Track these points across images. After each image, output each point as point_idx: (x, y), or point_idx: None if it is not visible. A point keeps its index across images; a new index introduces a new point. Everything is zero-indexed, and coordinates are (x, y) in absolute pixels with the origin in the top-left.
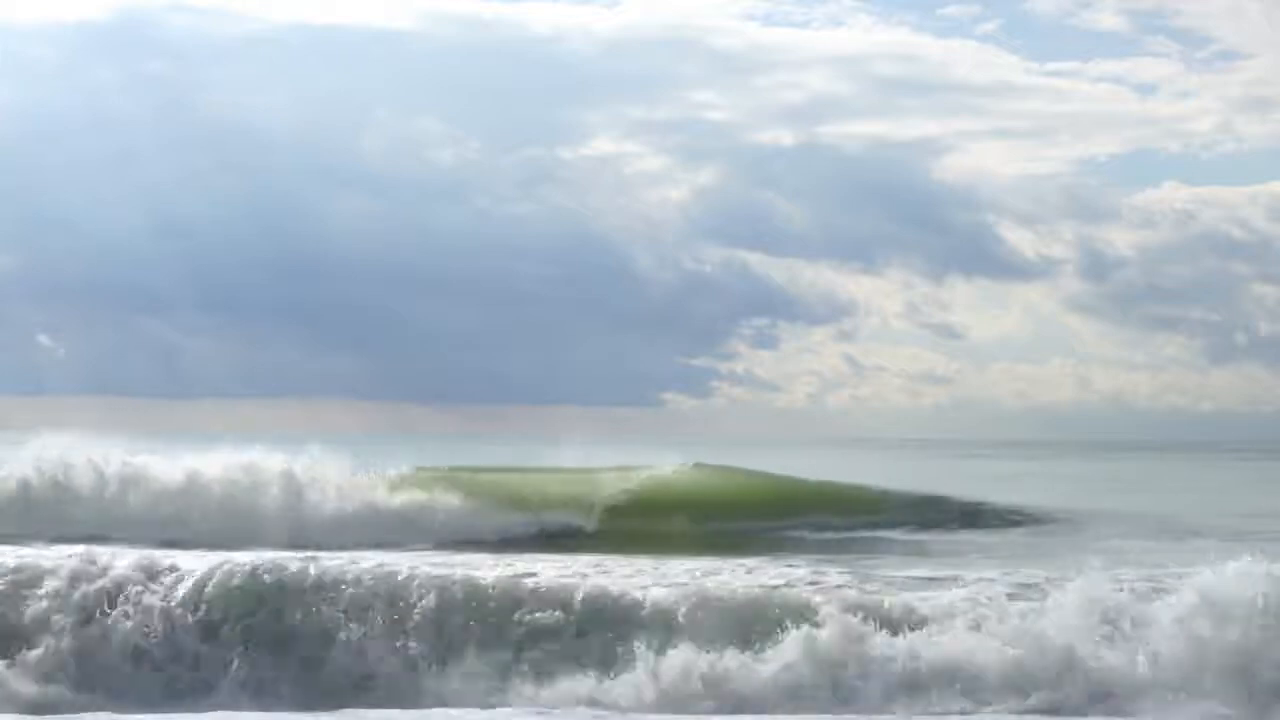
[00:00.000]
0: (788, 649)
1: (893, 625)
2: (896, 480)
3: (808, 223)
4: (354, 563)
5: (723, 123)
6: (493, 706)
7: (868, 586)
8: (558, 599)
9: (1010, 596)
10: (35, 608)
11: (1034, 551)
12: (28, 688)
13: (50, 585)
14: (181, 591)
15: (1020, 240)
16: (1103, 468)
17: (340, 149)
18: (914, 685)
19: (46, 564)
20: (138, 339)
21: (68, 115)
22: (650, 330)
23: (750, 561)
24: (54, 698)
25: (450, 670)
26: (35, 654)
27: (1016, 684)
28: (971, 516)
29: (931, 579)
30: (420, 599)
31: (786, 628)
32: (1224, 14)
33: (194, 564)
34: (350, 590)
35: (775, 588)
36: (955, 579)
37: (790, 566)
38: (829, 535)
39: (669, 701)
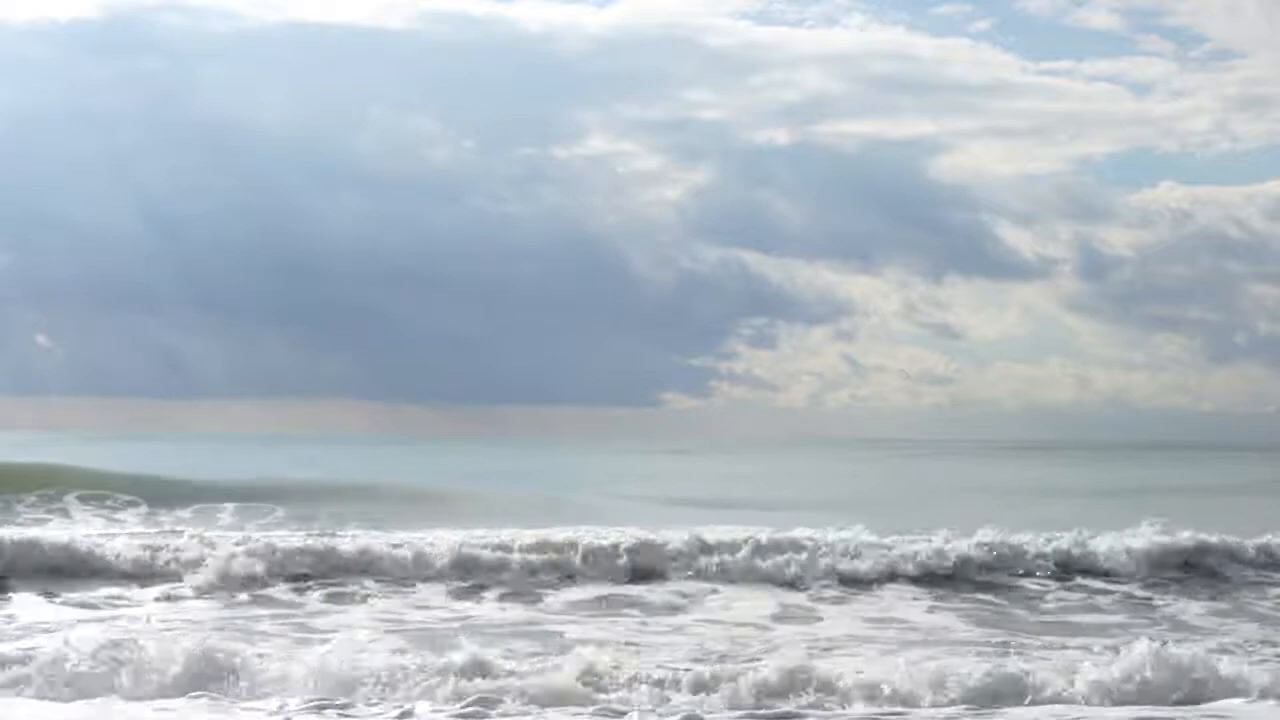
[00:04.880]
0: None
1: None
2: None
3: (804, 222)
4: None
5: (717, 121)
6: None
7: None
8: None
9: None
10: None
11: None
12: None
13: None
14: None
15: (1018, 240)
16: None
17: (335, 148)
18: None
19: None
20: (135, 339)
21: (62, 114)
22: (648, 330)
23: None
24: None
25: None
26: None
27: None
28: None
29: None
30: None
31: None
32: (1217, 12)
33: None
34: None
35: None
36: None
37: None
38: None
39: None
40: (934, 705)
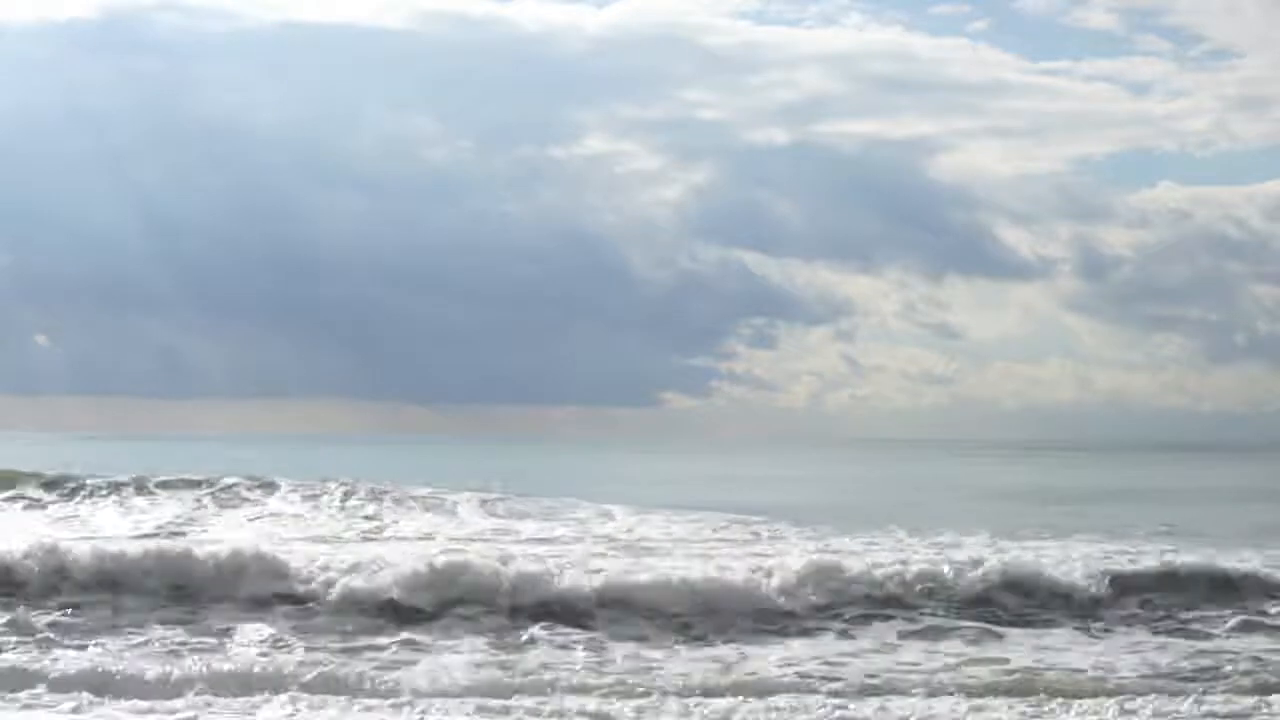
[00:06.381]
0: None
1: None
2: None
3: (803, 222)
4: None
5: (716, 121)
6: None
7: None
8: None
9: None
10: None
11: None
12: None
13: None
14: None
15: (1017, 240)
16: None
17: (333, 148)
18: None
19: None
20: (135, 339)
21: (61, 114)
22: (648, 330)
23: None
24: None
25: None
26: None
27: None
28: None
29: None
30: None
31: None
32: (1215, 11)
33: None
34: None
35: None
36: None
37: None
38: None
39: None
40: None
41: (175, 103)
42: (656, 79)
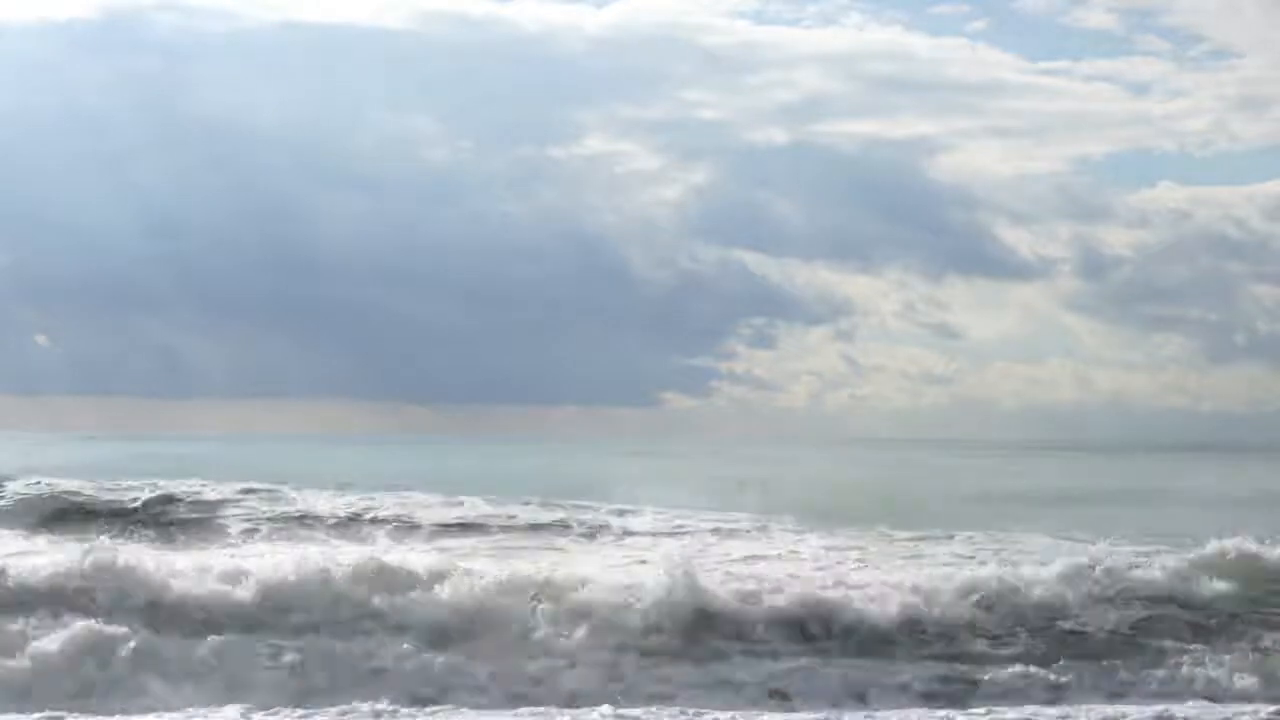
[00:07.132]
0: None
1: None
2: None
3: (803, 222)
4: None
5: (716, 121)
6: None
7: None
8: None
9: None
10: None
11: None
12: None
13: None
14: None
15: (1017, 240)
16: None
17: (334, 148)
18: None
19: None
20: (135, 339)
21: (61, 115)
22: (648, 330)
23: None
24: None
25: None
26: None
27: None
28: None
29: None
30: None
31: None
32: (1214, 11)
33: None
34: None
35: None
36: None
37: None
38: None
39: None
40: None
41: (175, 103)
42: (656, 79)
